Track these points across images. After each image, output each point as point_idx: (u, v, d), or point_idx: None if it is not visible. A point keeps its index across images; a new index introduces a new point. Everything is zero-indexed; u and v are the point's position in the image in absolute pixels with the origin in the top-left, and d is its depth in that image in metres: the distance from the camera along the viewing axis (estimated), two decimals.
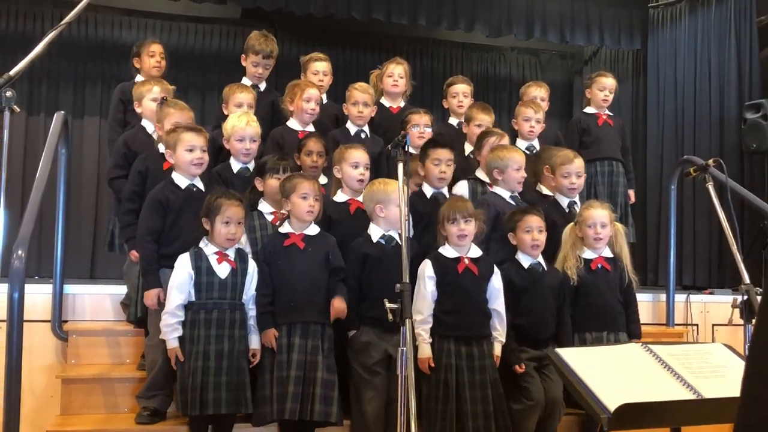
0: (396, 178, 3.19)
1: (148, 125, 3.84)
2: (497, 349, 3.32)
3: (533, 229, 3.45)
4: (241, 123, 3.61)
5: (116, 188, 3.78)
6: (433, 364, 3.19)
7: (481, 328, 3.29)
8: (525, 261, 3.49)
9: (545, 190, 4.07)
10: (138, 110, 3.92)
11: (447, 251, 3.34)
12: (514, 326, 3.37)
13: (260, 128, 3.72)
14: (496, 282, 3.35)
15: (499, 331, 3.32)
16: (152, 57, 4.49)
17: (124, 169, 3.67)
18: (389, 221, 3.30)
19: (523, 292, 3.44)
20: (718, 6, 5.99)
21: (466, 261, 3.31)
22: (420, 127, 4.17)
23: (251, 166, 3.67)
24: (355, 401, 3.24)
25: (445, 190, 3.78)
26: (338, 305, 3.18)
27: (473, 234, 3.32)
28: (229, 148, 3.66)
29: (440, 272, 3.28)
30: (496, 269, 3.37)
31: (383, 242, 3.31)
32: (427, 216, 3.55)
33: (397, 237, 3.30)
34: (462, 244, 3.31)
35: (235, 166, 3.68)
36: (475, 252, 3.36)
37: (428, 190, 3.71)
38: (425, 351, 3.20)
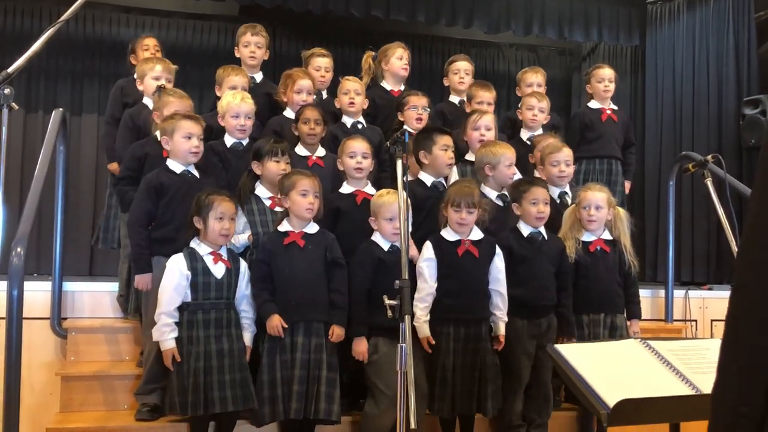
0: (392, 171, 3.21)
1: (150, 102, 3.85)
2: (501, 329, 3.27)
3: (539, 202, 3.41)
4: (236, 100, 3.65)
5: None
6: (432, 341, 3.17)
7: (481, 311, 3.26)
8: (525, 230, 3.45)
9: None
10: (140, 88, 3.98)
11: (448, 234, 3.30)
12: (515, 296, 3.33)
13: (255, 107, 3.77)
14: (499, 263, 3.32)
15: (502, 311, 3.28)
16: (146, 51, 4.51)
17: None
18: (382, 234, 3.25)
19: (521, 260, 3.41)
20: (716, 2, 5.98)
21: (467, 244, 3.28)
22: (418, 109, 4.14)
23: (245, 142, 3.70)
24: (371, 410, 3.18)
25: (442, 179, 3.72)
26: (338, 332, 3.15)
27: (473, 223, 3.30)
28: (224, 124, 3.70)
29: (440, 255, 3.25)
30: (498, 250, 3.33)
31: (393, 250, 3.22)
32: (429, 205, 3.49)
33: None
34: (461, 231, 3.29)
35: (229, 141, 3.70)
36: (477, 234, 3.32)
37: (427, 179, 3.60)
38: (424, 331, 3.19)
